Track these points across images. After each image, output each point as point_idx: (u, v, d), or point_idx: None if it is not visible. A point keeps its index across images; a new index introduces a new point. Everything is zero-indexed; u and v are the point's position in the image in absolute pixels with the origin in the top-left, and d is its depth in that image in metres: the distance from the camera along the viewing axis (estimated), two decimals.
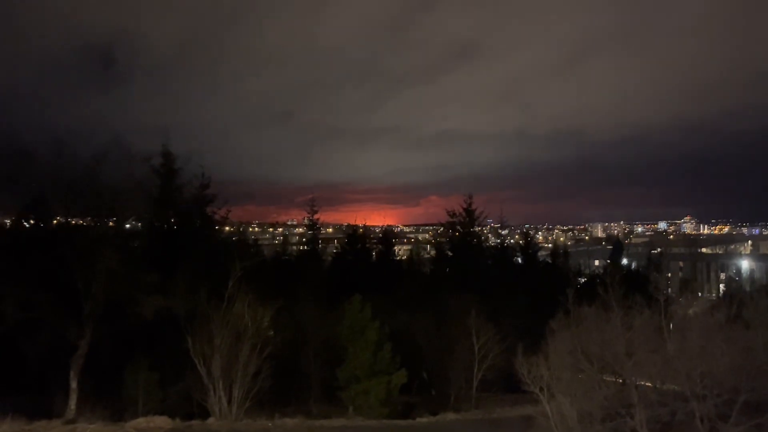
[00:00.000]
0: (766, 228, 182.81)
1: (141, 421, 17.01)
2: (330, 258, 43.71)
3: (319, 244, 42.82)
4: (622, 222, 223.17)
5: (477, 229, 43.56)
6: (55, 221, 22.39)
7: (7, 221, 25.04)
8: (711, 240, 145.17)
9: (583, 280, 51.79)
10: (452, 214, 42.71)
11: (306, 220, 43.79)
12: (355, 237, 44.33)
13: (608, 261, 68.16)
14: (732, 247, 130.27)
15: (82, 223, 21.83)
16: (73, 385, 20.05)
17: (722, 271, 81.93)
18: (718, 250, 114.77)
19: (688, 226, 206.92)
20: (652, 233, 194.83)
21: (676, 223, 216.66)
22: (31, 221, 23.36)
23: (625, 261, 72.40)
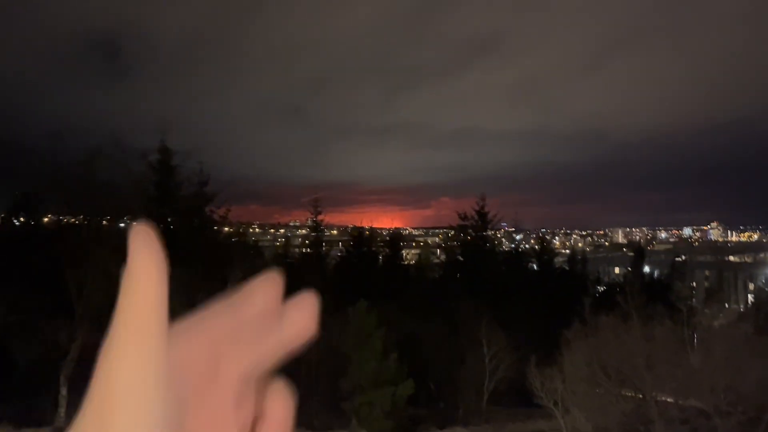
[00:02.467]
0: None
1: None
2: (334, 261, 42.96)
3: (323, 246, 42.13)
4: (644, 227, 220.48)
5: (490, 232, 42.70)
6: (46, 219, 22.08)
7: None
8: (739, 247, 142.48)
9: (601, 289, 50.69)
10: (464, 217, 41.83)
11: (310, 221, 43.22)
12: (360, 240, 43.52)
13: (629, 268, 66.74)
14: (761, 255, 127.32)
15: (75, 222, 21.49)
16: (63, 391, 19.67)
17: (750, 281, 79.73)
18: (746, 258, 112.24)
19: (714, 233, 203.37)
20: (677, 240, 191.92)
21: (701, 230, 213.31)
22: (22, 219, 23.06)
23: (647, 269, 70.77)
